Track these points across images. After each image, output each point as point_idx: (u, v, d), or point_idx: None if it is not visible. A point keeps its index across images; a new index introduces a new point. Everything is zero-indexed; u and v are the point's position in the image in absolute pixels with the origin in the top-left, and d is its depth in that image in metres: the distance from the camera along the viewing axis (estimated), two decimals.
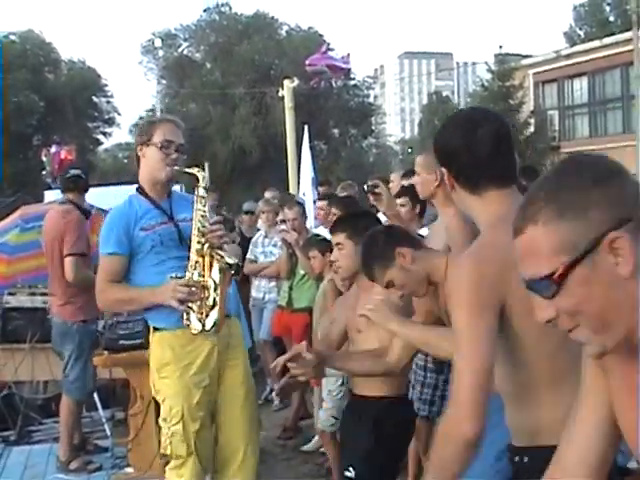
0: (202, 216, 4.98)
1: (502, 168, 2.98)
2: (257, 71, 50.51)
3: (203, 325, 4.86)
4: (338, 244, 4.90)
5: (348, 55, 20.54)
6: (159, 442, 5.92)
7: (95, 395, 8.52)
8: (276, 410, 9.80)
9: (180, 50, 55.01)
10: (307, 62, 19.72)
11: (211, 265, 4.89)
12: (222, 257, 4.84)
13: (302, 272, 8.90)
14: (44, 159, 22.20)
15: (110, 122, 58.56)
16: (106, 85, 57.92)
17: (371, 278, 4.20)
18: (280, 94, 20.34)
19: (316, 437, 8.09)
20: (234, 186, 42.25)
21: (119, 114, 58.82)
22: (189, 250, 4.97)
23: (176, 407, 4.93)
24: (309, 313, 8.59)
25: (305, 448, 8.23)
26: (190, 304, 4.82)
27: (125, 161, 63.74)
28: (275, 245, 9.84)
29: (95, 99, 57.30)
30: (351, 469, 4.48)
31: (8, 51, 51.16)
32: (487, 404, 2.65)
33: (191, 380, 4.95)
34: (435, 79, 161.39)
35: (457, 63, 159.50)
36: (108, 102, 58.24)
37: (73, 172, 7.73)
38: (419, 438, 5.93)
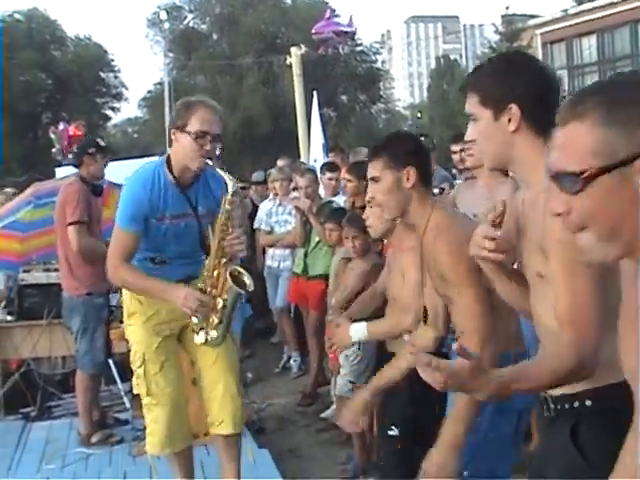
0: (223, 230, 4.96)
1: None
2: (264, 40, 50.29)
3: (206, 339, 5.09)
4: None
5: (351, 17, 20.37)
6: None
7: (113, 368, 8.55)
8: (294, 377, 9.83)
9: (186, 22, 54.79)
10: (313, 30, 19.61)
11: (224, 284, 4.96)
12: (240, 273, 4.95)
13: (317, 239, 8.87)
14: (52, 136, 22.21)
15: (118, 97, 58.44)
16: (113, 60, 57.85)
17: (370, 158, 3.90)
18: (288, 62, 20.22)
19: (334, 404, 8.11)
20: (244, 156, 42.11)
21: (127, 89, 58.79)
22: (205, 253, 5.14)
23: (139, 352, 5.26)
24: (325, 280, 8.60)
25: (325, 415, 8.21)
26: (199, 315, 5.00)
27: (135, 136, 63.67)
28: (290, 213, 9.81)
29: (102, 75, 57.17)
30: (394, 427, 4.44)
31: (14, 30, 51.17)
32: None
33: (153, 328, 5.23)
34: (442, 43, 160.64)
35: (464, 26, 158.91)
36: (116, 77, 58.16)
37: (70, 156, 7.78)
38: None
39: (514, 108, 2.82)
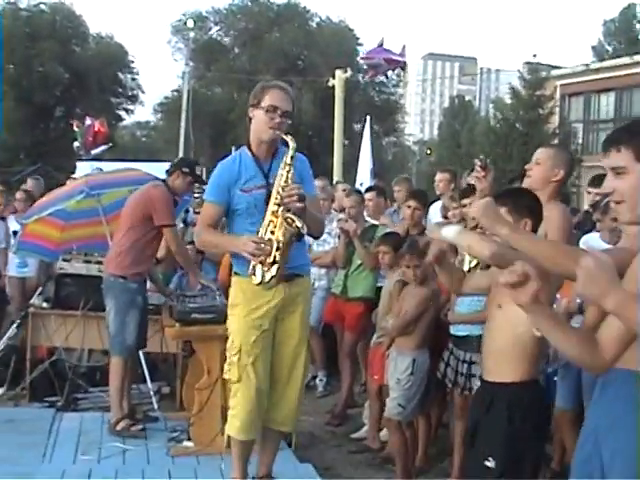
0: (284, 180, 5.51)
1: None
2: (285, 60, 50.51)
3: (263, 278, 5.48)
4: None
5: (404, 47, 20.37)
6: (223, 420, 6.09)
7: (144, 366, 8.55)
8: (319, 397, 9.78)
9: (210, 33, 55.03)
10: (363, 55, 19.76)
11: (279, 227, 5.45)
12: (293, 221, 5.32)
13: (358, 262, 8.89)
14: (76, 130, 22.28)
15: (133, 99, 58.49)
16: (132, 62, 57.91)
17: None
18: (330, 84, 20.40)
19: (366, 426, 8.09)
20: None
21: (143, 92, 58.77)
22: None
23: (236, 342, 5.68)
24: (363, 302, 8.66)
25: (355, 436, 8.20)
26: (257, 257, 5.40)
27: (143, 140, 63.64)
28: (329, 233, 9.81)
29: (120, 75, 57.27)
30: (490, 459, 4.34)
31: (37, 21, 51.28)
32: None
33: (253, 322, 5.65)
34: (458, 83, 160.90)
35: (481, 69, 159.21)
36: (133, 79, 58.19)
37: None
38: None
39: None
